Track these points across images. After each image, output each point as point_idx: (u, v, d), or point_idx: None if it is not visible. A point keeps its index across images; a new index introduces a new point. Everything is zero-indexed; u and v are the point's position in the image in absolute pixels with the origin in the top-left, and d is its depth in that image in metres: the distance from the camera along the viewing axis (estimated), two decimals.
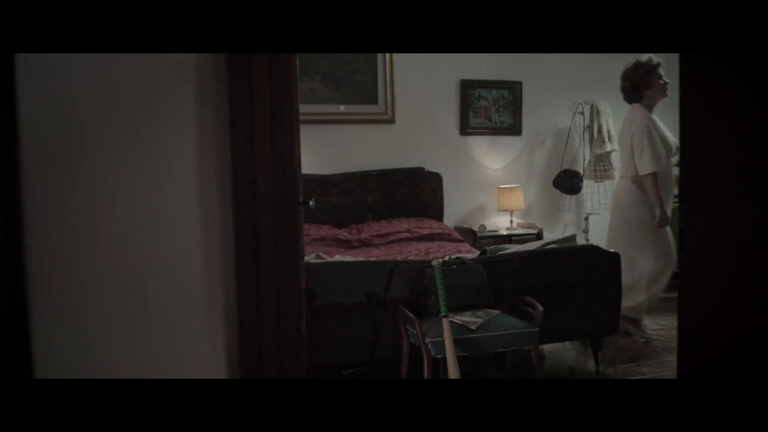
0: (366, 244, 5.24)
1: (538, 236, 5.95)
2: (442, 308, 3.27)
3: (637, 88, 4.68)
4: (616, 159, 6.25)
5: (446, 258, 3.90)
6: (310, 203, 2.28)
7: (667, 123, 4.71)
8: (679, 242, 1.89)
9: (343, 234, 5.33)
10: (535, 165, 6.44)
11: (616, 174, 6.29)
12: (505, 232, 6.02)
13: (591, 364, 4.17)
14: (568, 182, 6.15)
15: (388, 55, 5.85)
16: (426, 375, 3.24)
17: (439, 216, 5.98)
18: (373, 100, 5.91)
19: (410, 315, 3.32)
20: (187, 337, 1.38)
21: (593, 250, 4.02)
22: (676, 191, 4.76)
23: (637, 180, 4.64)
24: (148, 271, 1.24)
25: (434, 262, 3.44)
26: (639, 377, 4.01)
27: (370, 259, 4.44)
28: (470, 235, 5.85)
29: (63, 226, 0.97)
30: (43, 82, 1.08)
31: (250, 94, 1.41)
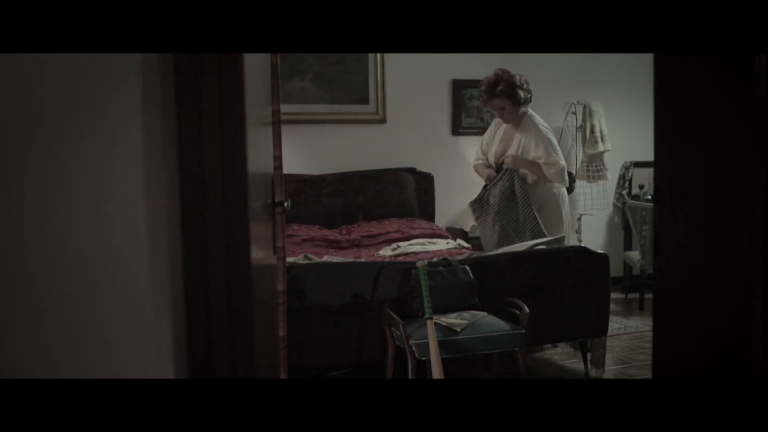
0: (356, 244, 5.21)
1: None
2: (427, 310, 3.24)
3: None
4: (609, 159, 6.23)
5: (433, 259, 3.88)
6: (286, 204, 2.26)
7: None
8: (654, 244, 1.87)
9: (333, 234, 5.31)
10: None
11: (609, 174, 6.28)
12: None
13: (580, 366, 4.15)
14: None
15: (379, 54, 5.82)
16: (410, 377, 3.22)
17: (430, 217, 5.95)
18: (365, 100, 5.88)
19: (395, 317, 3.29)
20: (134, 340, 1.36)
21: (581, 251, 4.00)
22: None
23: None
24: (92, 274, 1.22)
25: (419, 264, 3.42)
26: (626, 378, 3.99)
27: (358, 260, 4.42)
28: (462, 236, 5.82)
29: (2, 228, 0.95)
30: None
31: (198, 95, 1.40)
